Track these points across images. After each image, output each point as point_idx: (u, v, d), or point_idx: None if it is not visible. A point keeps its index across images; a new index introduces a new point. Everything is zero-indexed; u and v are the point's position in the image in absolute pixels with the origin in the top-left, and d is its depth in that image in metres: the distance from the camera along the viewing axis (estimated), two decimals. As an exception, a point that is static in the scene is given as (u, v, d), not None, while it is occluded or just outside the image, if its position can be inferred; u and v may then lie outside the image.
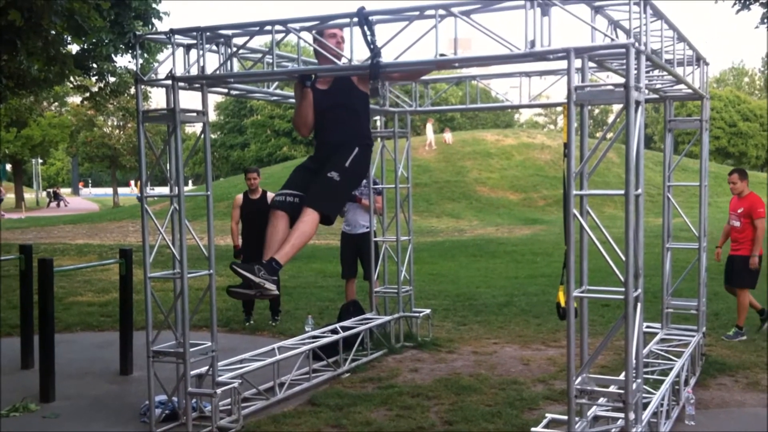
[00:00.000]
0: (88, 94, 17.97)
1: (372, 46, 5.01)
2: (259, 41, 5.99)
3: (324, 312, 10.21)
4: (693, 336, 7.03)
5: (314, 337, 7.47)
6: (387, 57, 5.04)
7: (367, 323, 8.03)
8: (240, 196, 9.77)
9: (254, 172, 9.60)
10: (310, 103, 5.64)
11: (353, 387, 6.81)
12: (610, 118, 72.68)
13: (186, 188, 5.88)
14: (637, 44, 4.30)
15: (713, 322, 8.94)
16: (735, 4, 17.17)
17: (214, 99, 60.61)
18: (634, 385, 4.34)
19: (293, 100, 7.16)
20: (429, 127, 35.38)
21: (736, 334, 8.39)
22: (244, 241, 9.61)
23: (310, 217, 5.32)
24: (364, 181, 9.01)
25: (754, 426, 5.69)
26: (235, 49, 5.70)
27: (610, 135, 4.79)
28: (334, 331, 7.60)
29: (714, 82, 70.59)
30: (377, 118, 8.97)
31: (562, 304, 7.70)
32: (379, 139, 8.33)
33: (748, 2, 17.03)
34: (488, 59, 5.06)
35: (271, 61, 5.54)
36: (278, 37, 5.40)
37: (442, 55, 4.93)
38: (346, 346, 7.51)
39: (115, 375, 7.39)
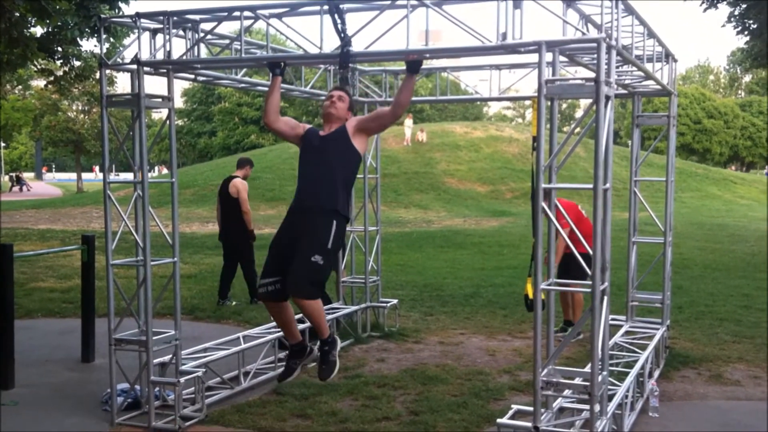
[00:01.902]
0: (52, 78, 17.67)
1: (342, 35, 4.98)
2: (228, 27, 5.93)
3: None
4: (657, 329, 7.10)
5: (280, 326, 7.42)
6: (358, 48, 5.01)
7: (334, 313, 8.00)
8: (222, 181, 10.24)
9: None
10: (277, 91, 5.50)
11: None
12: (578, 113, 73.36)
13: (151, 175, 5.79)
14: (608, 39, 4.31)
15: (677, 316, 9.05)
16: (703, 2, 17.36)
17: (181, 85, 60.04)
18: (600, 378, 4.37)
19: (261, 88, 7.10)
20: (408, 122, 35.11)
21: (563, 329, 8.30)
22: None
23: (309, 303, 5.05)
24: None
25: (716, 418, 5.76)
26: (202, 34, 5.62)
27: (578, 129, 4.81)
28: (301, 321, 7.55)
29: (680, 80, 71.46)
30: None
31: (530, 296, 7.79)
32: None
33: (715, 0, 17.22)
34: (460, 51, 5.05)
35: (239, 47, 5.47)
36: (247, 23, 5.33)
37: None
38: (312, 335, 7.45)
39: (77, 362, 7.28)
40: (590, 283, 4.32)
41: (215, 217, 10.30)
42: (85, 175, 55.13)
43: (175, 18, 5.44)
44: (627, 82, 6.79)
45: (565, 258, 7.87)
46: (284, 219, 5.31)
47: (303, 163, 5.28)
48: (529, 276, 7.92)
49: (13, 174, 57.77)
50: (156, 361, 5.74)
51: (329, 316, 7.78)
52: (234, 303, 10.10)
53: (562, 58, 4.71)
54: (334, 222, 5.07)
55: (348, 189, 5.25)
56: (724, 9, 18.16)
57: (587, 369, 4.43)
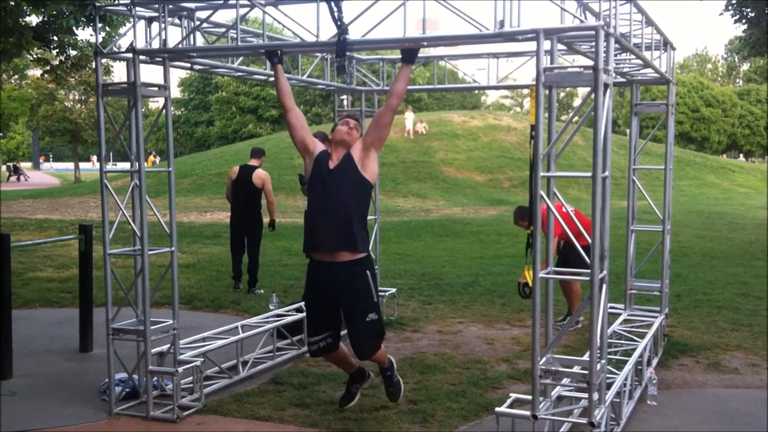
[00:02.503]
0: (48, 68, 17.56)
1: (339, 23, 4.94)
2: (224, 16, 5.90)
3: (289, 290, 10.16)
4: (656, 317, 7.11)
5: (278, 315, 7.43)
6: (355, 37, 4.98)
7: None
8: (236, 168, 10.39)
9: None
10: (281, 78, 5.42)
11: (317, 366, 6.78)
12: (576, 102, 73.29)
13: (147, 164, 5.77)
14: (606, 27, 4.28)
15: (675, 304, 9.06)
16: (701, -10, 17.30)
17: (178, 75, 59.95)
18: (599, 366, 4.37)
19: (258, 77, 7.08)
20: (408, 115, 34.78)
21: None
22: (233, 209, 10.43)
23: (381, 356, 5.39)
24: None
25: (714, 406, 5.77)
26: (198, 22, 5.59)
27: (576, 118, 4.79)
28: (299, 310, 7.55)
29: (678, 68, 71.35)
30: (344, 96, 8.89)
31: (530, 282, 7.82)
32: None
33: (713, -12, 17.16)
34: (457, 39, 5.01)
35: (235, 36, 5.44)
36: (243, 11, 5.30)
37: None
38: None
39: (75, 352, 7.28)
40: (589, 271, 4.31)
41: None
42: (82, 165, 55.00)
43: (170, 6, 5.41)
44: (625, 70, 6.76)
45: (565, 250, 7.88)
46: (310, 270, 5.32)
47: (313, 198, 5.22)
48: (527, 264, 7.95)
49: (11, 164, 57.65)
50: (154, 350, 5.74)
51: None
52: (262, 291, 10.20)
53: (560, 47, 4.69)
54: (367, 272, 5.17)
55: (364, 222, 5.23)
56: (722, -3, 18.12)
57: (586, 357, 4.42)
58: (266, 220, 10.41)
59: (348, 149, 5.20)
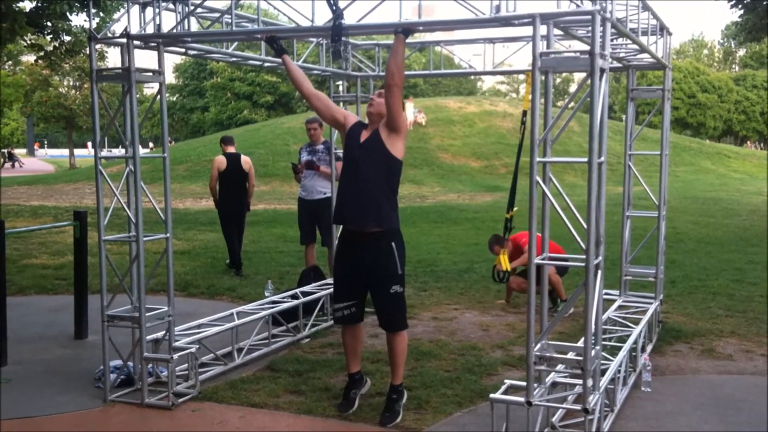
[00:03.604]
0: (42, 53, 17.47)
1: (334, 8, 4.91)
2: (218, 1, 5.86)
3: (284, 277, 10.15)
4: (650, 303, 7.12)
5: (274, 302, 7.42)
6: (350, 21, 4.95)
7: (328, 289, 7.98)
8: (222, 158, 10.57)
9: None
10: (291, 66, 5.41)
11: (313, 352, 6.78)
12: (572, 88, 73.18)
13: (144, 150, 5.75)
14: (602, 12, 4.26)
15: (670, 290, 9.07)
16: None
17: (172, 60, 59.68)
18: (593, 352, 4.37)
19: (253, 62, 7.04)
20: (409, 107, 34.46)
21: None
22: (223, 198, 10.62)
23: (403, 339, 5.31)
24: (321, 146, 8.96)
25: (708, 392, 5.78)
26: (192, 7, 5.54)
27: (572, 104, 4.77)
28: (294, 297, 7.56)
29: (674, 54, 71.30)
30: (340, 82, 8.85)
31: (506, 267, 7.97)
32: (341, 104, 8.22)
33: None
34: (453, 23, 4.98)
35: (230, 21, 5.41)
36: (238, -5, 5.26)
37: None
38: (306, 311, 7.47)
39: (70, 339, 7.27)
40: (584, 257, 4.30)
41: (223, 194, 10.51)
42: (77, 151, 54.85)
43: (164, -9, 5.36)
44: (621, 55, 6.74)
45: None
46: (341, 237, 5.40)
47: (345, 171, 5.28)
48: (503, 250, 8.09)
49: (5, 150, 57.44)
50: (149, 337, 5.73)
51: (323, 292, 7.78)
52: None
53: (556, 32, 4.66)
54: (393, 244, 5.16)
55: (392, 198, 5.23)
56: (718, -18, 18.08)
57: (580, 344, 4.42)
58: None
59: (379, 123, 5.19)
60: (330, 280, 8.35)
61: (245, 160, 10.63)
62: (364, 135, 5.21)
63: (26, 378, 6.11)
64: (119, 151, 7.00)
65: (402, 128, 5.11)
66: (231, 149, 10.67)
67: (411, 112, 33.42)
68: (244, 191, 10.64)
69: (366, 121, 5.36)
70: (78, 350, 6.95)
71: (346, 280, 5.34)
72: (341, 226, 5.43)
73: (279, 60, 5.61)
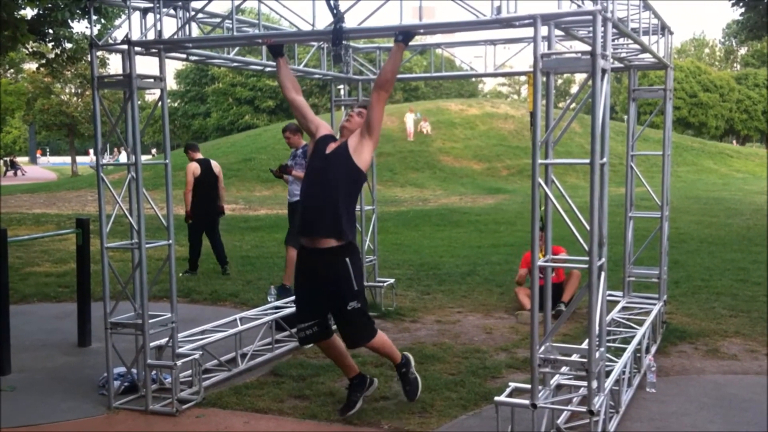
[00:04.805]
0: (44, 61, 17.49)
1: (335, 12, 4.91)
2: (219, 6, 5.86)
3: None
4: (654, 304, 7.10)
5: (277, 307, 7.41)
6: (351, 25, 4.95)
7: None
8: (195, 164, 10.90)
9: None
10: (283, 69, 5.46)
11: (316, 357, 6.77)
12: (573, 89, 73.17)
13: (146, 157, 5.75)
14: (604, 12, 4.25)
15: (674, 290, 9.05)
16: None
17: (174, 66, 59.71)
18: (597, 354, 4.36)
19: (254, 67, 7.04)
20: (409, 116, 34.24)
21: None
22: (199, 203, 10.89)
23: (374, 345, 5.31)
24: (300, 150, 8.98)
25: (713, 392, 5.76)
26: (193, 13, 5.55)
27: (574, 105, 4.77)
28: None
29: (675, 53, 71.26)
30: (341, 86, 8.86)
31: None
32: (342, 108, 8.22)
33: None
34: (454, 25, 4.97)
35: (231, 26, 5.41)
36: (238, 1, 5.26)
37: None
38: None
39: (73, 347, 7.26)
40: (587, 258, 4.29)
41: (200, 199, 10.74)
42: (79, 159, 54.91)
43: (165, -4, 5.36)
44: (623, 55, 6.73)
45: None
46: (298, 254, 5.38)
47: (307, 180, 5.29)
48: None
49: (7, 158, 57.54)
50: (152, 344, 5.72)
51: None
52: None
53: (557, 32, 4.65)
54: (347, 260, 5.11)
55: (351, 210, 5.21)
56: (719, -19, 18.08)
57: (584, 345, 4.41)
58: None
59: (349, 136, 5.22)
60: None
61: (215, 165, 11.16)
62: (332, 146, 5.22)
63: (30, 386, 6.10)
64: (122, 158, 6.96)
65: (375, 133, 5.13)
66: (199, 155, 11.09)
67: (411, 122, 33.22)
68: (217, 195, 11.09)
69: (338, 135, 5.39)
70: (81, 357, 6.94)
71: (305, 300, 5.33)
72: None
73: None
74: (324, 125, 5.47)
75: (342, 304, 5.15)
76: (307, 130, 5.46)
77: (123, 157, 41.12)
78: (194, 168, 10.85)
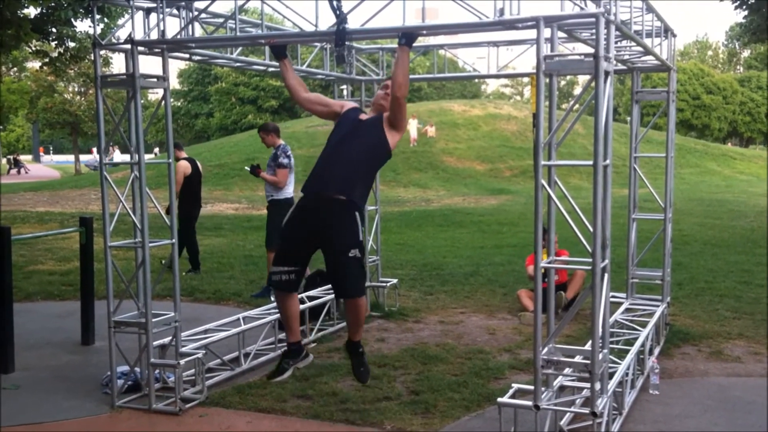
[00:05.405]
0: (47, 60, 17.54)
1: (338, 12, 4.92)
2: (222, 6, 5.87)
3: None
4: (657, 306, 7.09)
5: (280, 307, 7.40)
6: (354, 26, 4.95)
7: (334, 293, 7.98)
8: (185, 162, 10.97)
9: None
10: (288, 71, 5.39)
11: (319, 357, 6.77)
12: (576, 91, 73.14)
13: (149, 156, 5.76)
14: (606, 14, 4.25)
15: (677, 292, 9.04)
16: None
17: (177, 66, 59.76)
18: (600, 356, 4.36)
19: (257, 67, 7.05)
20: (413, 123, 34.08)
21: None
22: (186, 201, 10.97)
23: (361, 304, 5.11)
24: (274, 152, 9.04)
25: (716, 395, 5.76)
26: (196, 12, 5.56)
27: (577, 106, 4.77)
28: (300, 301, 7.54)
29: (678, 55, 71.15)
30: (344, 86, 8.87)
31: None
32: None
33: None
34: (457, 27, 4.98)
35: (234, 26, 5.41)
36: (241, 1, 5.27)
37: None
38: (313, 316, 7.46)
39: (77, 345, 7.27)
40: (590, 260, 4.29)
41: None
42: (83, 157, 54.93)
43: (168, -4, 5.37)
44: (626, 57, 6.73)
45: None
46: (299, 204, 5.13)
47: (332, 141, 5.17)
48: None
49: (11, 156, 57.59)
50: (156, 343, 5.73)
51: (328, 297, 7.77)
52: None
53: (560, 34, 4.66)
54: (357, 215, 5.00)
55: (369, 182, 5.18)
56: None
57: (587, 347, 4.41)
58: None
59: (380, 113, 5.18)
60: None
61: (199, 162, 11.41)
62: (365, 116, 5.23)
63: (33, 384, 6.11)
64: (125, 157, 6.98)
65: (402, 130, 5.17)
66: (184, 154, 11.16)
67: (414, 129, 33.09)
68: (200, 193, 11.29)
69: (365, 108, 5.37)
70: (85, 356, 6.96)
71: (294, 244, 5.08)
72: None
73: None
74: (348, 102, 5.49)
75: (344, 249, 4.90)
76: (334, 115, 5.34)
77: (117, 156, 41.24)
78: (185, 166, 10.88)
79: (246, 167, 9.85)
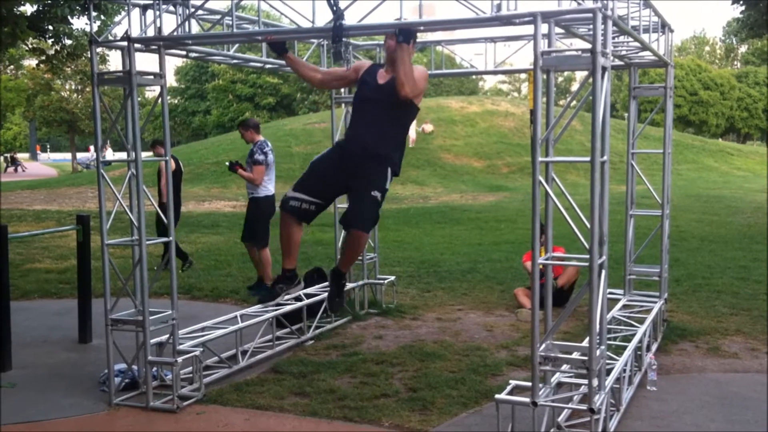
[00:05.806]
0: (44, 57, 17.49)
1: (334, 9, 4.91)
2: (219, 3, 5.86)
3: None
4: (655, 302, 7.09)
5: (278, 304, 7.39)
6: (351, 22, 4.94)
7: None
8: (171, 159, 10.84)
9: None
10: (298, 63, 5.62)
11: (317, 354, 6.77)
12: (574, 87, 73.11)
13: (146, 154, 5.76)
14: (604, 9, 4.25)
15: (675, 288, 9.05)
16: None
17: (174, 63, 59.69)
18: (598, 352, 4.36)
19: (254, 64, 7.03)
20: (412, 124, 33.87)
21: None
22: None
23: (363, 239, 5.44)
24: (254, 146, 9.07)
25: (714, 391, 5.76)
26: (193, 9, 5.54)
27: (574, 103, 4.76)
28: (298, 299, 7.53)
29: (675, 51, 71.08)
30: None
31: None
32: (343, 105, 8.22)
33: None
34: (454, 23, 4.97)
35: (230, 23, 5.40)
36: (238, -2, 5.26)
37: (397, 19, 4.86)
38: (310, 313, 7.46)
39: (74, 343, 7.26)
40: (588, 256, 4.29)
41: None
42: (80, 155, 54.92)
43: (164, -7, 5.36)
44: (623, 53, 6.72)
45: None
46: (335, 149, 5.59)
47: (358, 108, 5.47)
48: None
49: (8, 155, 57.50)
50: (153, 340, 5.72)
51: (325, 294, 7.75)
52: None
53: (557, 30, 4.65)
54: (389, 170, 5.35)
55: (402, 147, 5.49)
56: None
57: (585, 343, 4.41)
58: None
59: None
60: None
61: (179, 160, 11.46)
62: (383, 77, 5.36)
63: (31, 382, 6.10)
64: (122, 155, 6.97)
65: (421, 91, 5.38)
66: (160, 149, 11.12)
67: (413, 130, 32.97)
68: (180, 191, 11.34)
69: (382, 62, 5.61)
70: (82, 354, 6.95)
71: (322, 180, 5.47)
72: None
73: (280, 62, 5.63)
74: (360, 63, 5.73)
75: (369, 188, 5.27)
76: (349, 81, 5.71)
77: (109, 154, 41.19)
78: (169, 165, 10.86)
79: (225, 162, 9.90)
